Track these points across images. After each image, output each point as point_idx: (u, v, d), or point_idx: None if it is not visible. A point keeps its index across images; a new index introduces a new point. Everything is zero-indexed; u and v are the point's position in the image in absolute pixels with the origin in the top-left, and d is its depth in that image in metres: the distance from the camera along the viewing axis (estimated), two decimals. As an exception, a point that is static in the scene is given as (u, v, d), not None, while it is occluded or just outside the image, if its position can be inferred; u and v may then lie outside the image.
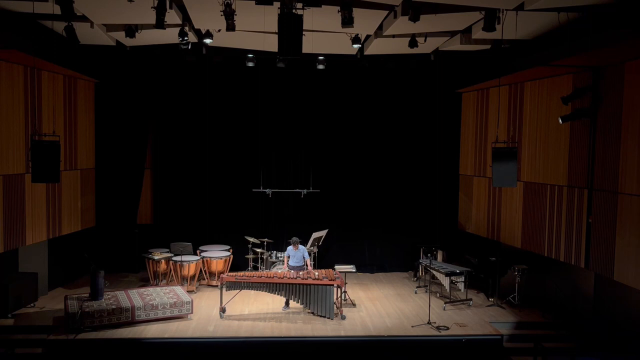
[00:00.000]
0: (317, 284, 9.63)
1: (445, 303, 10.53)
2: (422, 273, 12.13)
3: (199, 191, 12.85)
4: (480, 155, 12.27)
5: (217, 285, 10.61)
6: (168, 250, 11.34)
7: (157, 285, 11.05)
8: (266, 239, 11.90)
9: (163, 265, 11.21)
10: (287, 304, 10.20)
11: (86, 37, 9.08)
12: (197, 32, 9.38)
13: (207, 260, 11.45)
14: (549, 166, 10.13)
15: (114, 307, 9.10)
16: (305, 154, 12.81)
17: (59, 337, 8.61)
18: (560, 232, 9.82)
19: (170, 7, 7.72)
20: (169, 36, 9.05)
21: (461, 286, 10.69)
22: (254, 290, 9.78)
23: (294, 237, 10.45)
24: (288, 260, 10.49)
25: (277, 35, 6.73)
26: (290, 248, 10.45)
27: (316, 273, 9.90)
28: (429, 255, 10.85)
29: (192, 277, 11.25)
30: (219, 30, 9.01)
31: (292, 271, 10.14)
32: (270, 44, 9.33)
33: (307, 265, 10.38)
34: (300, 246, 10.45)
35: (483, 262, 10.95)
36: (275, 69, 11.56)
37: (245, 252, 12.14)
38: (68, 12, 6.97)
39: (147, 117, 12.59)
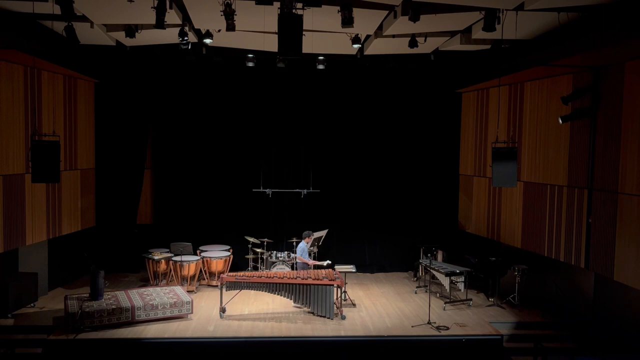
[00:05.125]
0: (317, 284, 9.63)
1: (445, 303, 10.53)
2: (422, 273, 12.14)
3: (199, 191, 12.86)
4: (480, 155, 12.28)
5: (217, 285, 10.61)
6: (168, 250, 11.34)
7: (157, 285, 11.05)
8: (266, 239, 11.90)
9: (163, 265, 11.21)
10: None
11: (86, 37, 9.07)
12: (197, 32, 9.37)
13: (207, 260, 11.45)
14: (549, 166, 10.14)
15: (114, 307, 9.10)
16: (305, 154, 12.82)
17: (59, 337, 8.61)
18: (560, 232, 9.82)
19: (170, 7, 7.71)
20: (169, 36, 9.04)
21: (461, 286, 10.69)
22: (254, 290, 9.78)
23: (308, 231, 10.77)
24: (302, 256, 10.68)
25: (277, 35, 6.72)
26: (305, 243, 10.60)
27: (316, 273, 9.91)
28: (429, 255, 10.84)
29: (192, 277, 11.25)
30: (219, 30, 9.01)
31: (293, 271, 10.16)
32: (270, 44, 9.32)
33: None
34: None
35: (483, 262, 10.95)
36: (275, 69, 11.55)
37: (245, 252, 12.13)
38: (68, 12, 6.96)
39: (147, 117, 12.58)
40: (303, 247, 10.75)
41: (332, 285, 9.66)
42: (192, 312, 9.63)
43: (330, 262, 10.81)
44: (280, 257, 11.64)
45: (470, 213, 12.71)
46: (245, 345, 8.74)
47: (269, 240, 11.99)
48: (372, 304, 10.70)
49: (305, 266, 10.59)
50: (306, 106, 12.74)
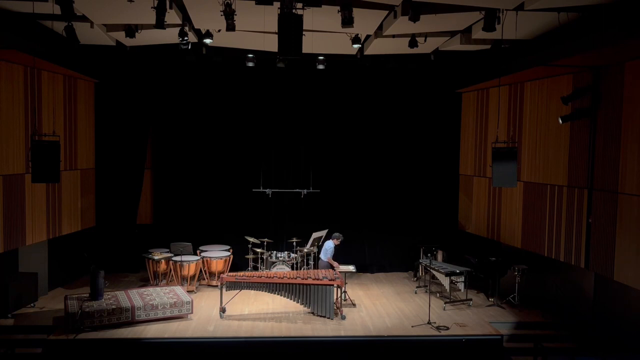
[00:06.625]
0: (317, 284, 9.63)
1: (445, 303, 10.53)
2: (422, 273, 12.14)
3: (199, 191, 12.86)
4: (480, 155, 12.28)
5: (217, 285, 10.61)
6: (168, 250, 11.34)
7: (157, 285, 11.05)
8: (266, 239, 11.90)
9: (163, 265, 11.21)
10: None
11: (86, 37, 9.07)
12: (197, 32, 9.37)
13: (207, 260, 11.45)
14: (549, 166, 10.14)
15: (114, 307, 9.10)
16: (305, 154, 12.82)
17: (59, 337, 8.61)
18: (560, 232, 9.82)
19: (170, 7, 7.71)
20: (169, 36, 9.05)
21: (461, 286, 10.69)
22: (254, 290, 9.78)
23: (338, 233, 10.93)
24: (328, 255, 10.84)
25: (277, 35, 6.72)
26: (332, 243, 10.80)
27: (316, 273, 9.91)
28: (429, 255, 10.84)
29: (192, 277, 11.25)
30: (219, 30, 9.01)
31: (293, 271, 10.17)
32: (270, 44, 9.32)
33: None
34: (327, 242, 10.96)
35: (483, 262, 10.95)
36: (275, 69, 11.55)
37: (245, 252, 12.13)
38: (68, 12, 6.96)
39: (147, 117, 12.58)
40: (331, 246, 10.84)
41: (332, 285, 9.66)
42: (192, 312, 9.63)
43: (354, 269, 10.77)
44: (280, 257, 11.65)
45: (470, 213, 12.71)
46: (245, 345, 8.74)
47: (269, 240, 11.98)
48: (372, 304, 10.70)
49: (329, 266, 10.64)
50: (306, 106, 12.74)
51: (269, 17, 7.70)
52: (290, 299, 9.79)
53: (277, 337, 8.87)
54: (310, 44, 9.22)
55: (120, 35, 9.22)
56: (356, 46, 9.54)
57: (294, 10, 6.61)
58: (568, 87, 9.60)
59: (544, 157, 10.28)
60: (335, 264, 10.71)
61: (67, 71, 10.64)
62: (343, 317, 9.70)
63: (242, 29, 8.68)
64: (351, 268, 10.64)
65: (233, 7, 7.38)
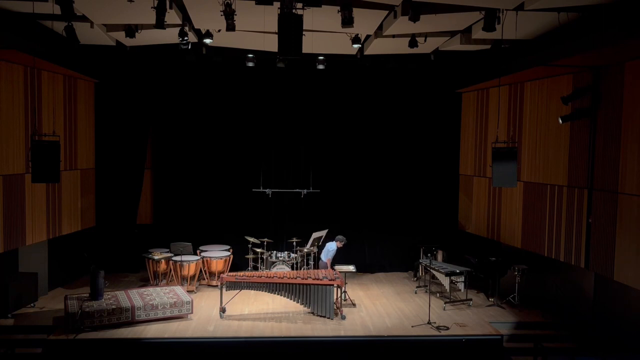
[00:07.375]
0: (317, 284, 9.63)
1: (445, 303, 10.53)
2: (422, 273, 12.14)
3: (199, 191, 12.86)
4: (480, 155, 12.28)
5: (217, 285, 10.61)
6: (168, 250, 11.34)
7: (157, 285, 11.05)
8: (266, 239, 11.90)
9: (163, 265, 11.21)
10: None
11: (86, 37, 9.07)
12: (197, 32, 9.38)
13: (207, 260, 11.45)
14: (549, 166, 10.14)
15: (114, 307, 9.10)
16: (305, 154, 12.82)
17: (59, 337, 8.61)
18: (560, 232, 9.82)
19: (170, 7, 7.71)
20: (169, 36, 9.05)
21: (461, 286, 10.69)
22: (254, 290, 9.78)
23: (342, 236, 10.94)
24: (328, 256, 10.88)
25: (277, 35, 6.73)
26: (335, 245, 10.82)
27: (316, 273, 9.91)
28: (429, 255, 10.84)
29: (192, 277, 11.25)
30: (219, 30, 9.01)
31: (293, 271, 10.17)
32: (270, 44, 9.33)
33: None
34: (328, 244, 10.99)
35: (483, 262, 10.95)
36: (275, 69, 11.55)
37: (245, 252, 12.13)
38: (68, 12, 6.96)
39: (147, 117, 12.58)
40: (334, 248, 10.87)
41: (332, 285, 9.66)
42: (192, 312, 9.63)
43: (354, 269, 10.77)
44: (280, 257, 11.65)
45: (470, 213, 12.71)
46: (245, 345, 8.74)
47: (269, 240, 11.99)
48: (372, 304, 10.70)
49: (327, 266, 10.68)
50: (306, 106, 12.74)
51: (269, 17, 7.70)
52: (290, 299, 9.79)
53: (277, 337, 8.87)
54: (310, 44, 9.22)
55: (120, 35, 9.22)
56: (356, 46, 9.54)
57: (294, 10, 6.61)
58: (568, 87, 9.61)
59: (544, 157, 10.28)
60: (329, 266, 10.72)
61: (67, 71, 10.64)
62: (343, 317, 9.70)
63: (242, 29, 8.68)
64: (351, 268, 10.63)
65: (233, 7, 7.38)
